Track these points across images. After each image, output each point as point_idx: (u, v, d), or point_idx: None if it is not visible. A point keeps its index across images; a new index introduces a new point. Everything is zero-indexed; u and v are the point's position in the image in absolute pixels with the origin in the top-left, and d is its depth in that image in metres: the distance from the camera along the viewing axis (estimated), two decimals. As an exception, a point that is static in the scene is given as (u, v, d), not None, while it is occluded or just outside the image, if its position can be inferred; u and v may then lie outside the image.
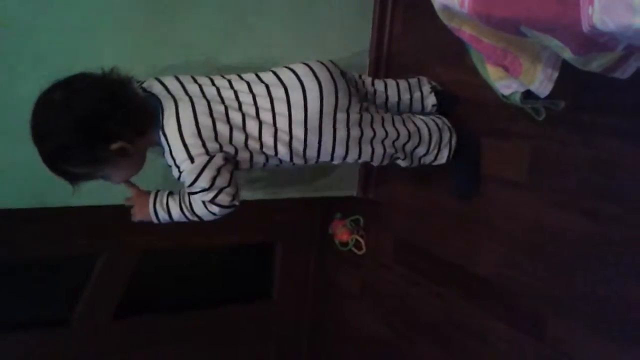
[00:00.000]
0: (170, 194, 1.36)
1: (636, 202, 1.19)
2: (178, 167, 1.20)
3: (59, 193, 1.53)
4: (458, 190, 1.60)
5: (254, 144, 1.27)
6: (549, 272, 1.37)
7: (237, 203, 1.30)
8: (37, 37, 1.39)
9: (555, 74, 1.01)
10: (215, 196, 1.25)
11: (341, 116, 1.30)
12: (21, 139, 1.43)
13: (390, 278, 1.91)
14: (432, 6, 0.99)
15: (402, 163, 1.52)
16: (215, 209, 1.27)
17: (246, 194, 1.79)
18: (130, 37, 1.49)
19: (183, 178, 1.22)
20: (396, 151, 1.45)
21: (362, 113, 1.35)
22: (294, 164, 1.36)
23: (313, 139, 1.29)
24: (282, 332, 2.21)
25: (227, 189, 1.25)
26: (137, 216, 1.38)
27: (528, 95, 1.10)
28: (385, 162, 1.46)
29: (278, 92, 1.27)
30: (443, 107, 1.60)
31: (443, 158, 1.53)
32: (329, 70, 1.30)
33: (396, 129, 1.42)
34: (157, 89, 1.24)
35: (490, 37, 0.98)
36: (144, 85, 1.26)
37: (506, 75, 1.07)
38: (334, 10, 1.76)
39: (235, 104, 1.26)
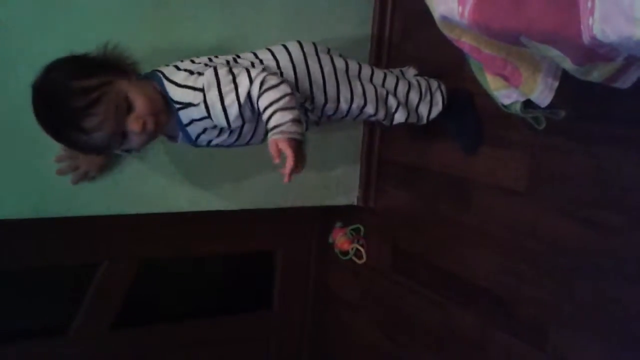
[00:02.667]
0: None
1: (637, 211, 1.19)
2: (195, 87, 1.17)
3: (58, 203, 1.55)
4: (463, 146, 1.58)
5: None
6: (550, 281, 1.37)
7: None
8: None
9: (556, 84, 1.01)
10: (249, 73, 1.17)
11: (324, 56, 1.38)
12: (20, 149, 1.45)
13: (389, 287, 1.91)
14: (430, 16, 1.00)
15: (400, 115, 1.47)
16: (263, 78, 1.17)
17: (245, 203, 1.80)
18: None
19: (210, 96, 1.16)
20: (388, 94, 1.44)
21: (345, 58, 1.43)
22: (308, 111, 1.38)
23: (302, 75, 1.33)
24: (282, 342, 2.20)
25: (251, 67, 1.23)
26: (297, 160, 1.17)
27: (528, 104, 1.10)
28: (382, 112, 1.43)
29: (266, 55, 1.34)
30: None
31: (438, 103, 1.52)
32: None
33: (382, 72, 1.47)
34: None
35: (490, 47, 0.99)
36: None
37: (506, 85, 1.07)
38: (334, 24, 1.77)
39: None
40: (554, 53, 0.85)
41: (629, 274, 1.20)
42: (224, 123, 1.20)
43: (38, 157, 1.46)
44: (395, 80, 1.47)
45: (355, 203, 1.98)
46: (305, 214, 2.10)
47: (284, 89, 1.16)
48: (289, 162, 1.12)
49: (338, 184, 1.94)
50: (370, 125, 1.93)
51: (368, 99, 1.40)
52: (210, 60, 1.29)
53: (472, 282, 1.58)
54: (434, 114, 1.52)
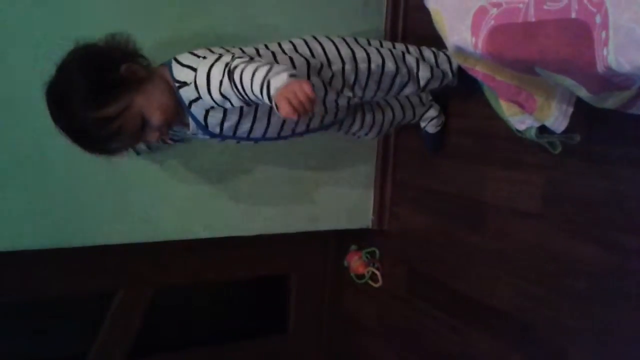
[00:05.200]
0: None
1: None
2: (191, 66, 1.18)
3: (74, 233, 1.56)
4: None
5: (265, 52, 1.32)
6: (567, 304, 1.35)
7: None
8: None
9: (570, 110, 1.01)
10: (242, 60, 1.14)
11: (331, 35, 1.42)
12: (38, 182, 1.47)
13: (406, 311, 1.89)
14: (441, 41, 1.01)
15: (425, 71, 1.45)
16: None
17: (260, 228, 1.80)
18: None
19: (200, 74, 1.16)
20: (403, 53, 1.44)
21: None
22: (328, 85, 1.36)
23: (314, 44, 1.37)
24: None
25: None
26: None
27: (543, 129, 1.10)
28: (404, 69, 1.42)
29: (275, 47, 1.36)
30: None
31: (448, 73, 1.50)
32: None
33: (392, 43, 1.50)
34: None
35: (504, 75, 0.99)
36: None
37: (520, 111, 1.08)
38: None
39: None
40: (569, 82, 0.86)
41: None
42: (211, 102, 1.19)
43: (55, 188, 1.49)
44: (404, 45, 1.49)
45: (370, 226, 1.97)
46: (319, 237, 2.09)
47: (255, 64, 1.10)
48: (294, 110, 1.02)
49: (352, 207, 1.94)
50: (384, 148, 1.93)
51: (385, 55, 1.40)
52: (227, 50, 1.29)
53: (489, 305, 1.56)
54: (455, 63, 1.50)
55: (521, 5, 0.82)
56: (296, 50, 1.34)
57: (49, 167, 1.46)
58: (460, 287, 1.67)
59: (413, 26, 1.81)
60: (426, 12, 1.03)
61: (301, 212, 1.85)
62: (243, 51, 1.30)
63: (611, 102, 0.89)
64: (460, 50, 0.93)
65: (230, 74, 1.10)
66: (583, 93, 0.87)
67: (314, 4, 1.71)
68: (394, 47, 1.47)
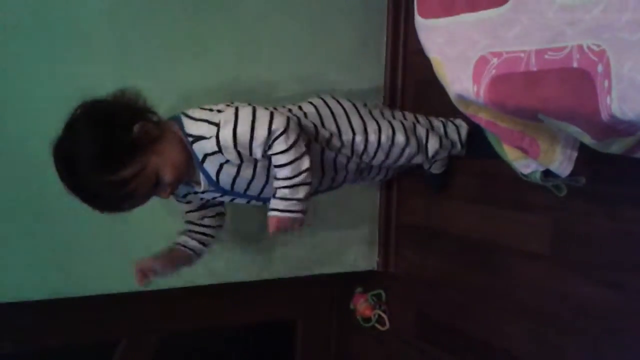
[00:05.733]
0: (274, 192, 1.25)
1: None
2: (211, 121, 1.16)
3: (75, 283, 1.54)
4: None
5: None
6: (577, 347, 1.34)
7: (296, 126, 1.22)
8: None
9: (575, 154, 1.01)
10: (270, 122, 1.16)
11: (341, 99, 1.45)
12: (38, 234, 1.46)
13: (414, 355, 1.86)
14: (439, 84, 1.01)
15: (434, 142, 1.46)
16: (282, 139, 1.17)
17: (263, 273, 1.78)
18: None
19: (223, 133, 1.14)
20: (414, 124, 1.45)
21: None
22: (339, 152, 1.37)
23: (325, 111, 1.38)
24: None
25: (275, 113, 1.19)
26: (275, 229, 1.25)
27: (548, 172, 1.10)
28: (414, 141, 1.43)
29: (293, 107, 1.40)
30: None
31: (462, 125, 1.53)
32: None
33: (402, 113, 1.52)
34: None
35: (507, 122, 0.99)
36: None
37: (524, 156, 1.07)
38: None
39: None
40: (573, 129, 0.86)
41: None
42: (235, 159, 1.20)
43: (56, 238, 1.48)
44: (413, 115, 1.51)
45: (375, 268, 1.95)
46: (324, 281, 2.07)
47: (303, 165, 1.20)
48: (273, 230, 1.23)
49: (357, 249, 1.93)
50: (387, 189, 1.92)
51: (395, 127, 1.40)
52: (232, 102, 1.29)
53: (498, 347, 1.54)
54: (463, 134, 1.52)
55: (522, 55, 0.82)
56: (306, 117, 1.35)
57: (50, 216, 1.46)
58: (467, 329, 1.64)
59: (412, 69, 1.82)
60: (425, 56, 1.04)
61: (305, 256, 1.84)
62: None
63: (615, 147, 0.88)
64: (462, 98, 0.93)
65: (273, 137, 1.16)
66: (587, 139, 0.87)
67: (312, 45, 1.73)
68: (405, 118, 1.49)
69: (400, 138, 1.40)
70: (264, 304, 2.03)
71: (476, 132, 1.48)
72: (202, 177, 1.25)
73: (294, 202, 1.21)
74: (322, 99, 1.42)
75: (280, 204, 1.21)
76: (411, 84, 1.59)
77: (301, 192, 1.21)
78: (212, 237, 1.46)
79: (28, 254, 1.46)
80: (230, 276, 1.73)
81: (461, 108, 0.99)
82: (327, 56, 1.75)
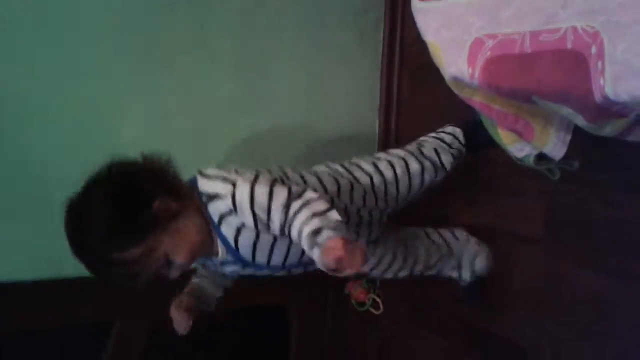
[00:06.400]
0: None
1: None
2: (228, 179, 1.07)
3: (73, 262, 1.55)
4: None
5: (293, 176, 1.25)
6: (570, 331, 1.35)
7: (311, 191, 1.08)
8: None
9: (568, 137, 1.02)
10: (289, 190, 1.04)
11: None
12: (34, 208, 1.46)
13: (408, 338, 1.87)
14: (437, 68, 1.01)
15: (447, 156, 1.45)
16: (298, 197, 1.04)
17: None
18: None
19: (239, 194, 1.05)
20: (420, 161, 1.40)
21: None
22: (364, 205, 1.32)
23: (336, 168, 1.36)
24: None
25: (292, 185, 1.09)
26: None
27: (542, 156, 1.11)
28: (428, 162, 1.41)
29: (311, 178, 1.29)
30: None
31: (462, 149, 1.49)
32: None
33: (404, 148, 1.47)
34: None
35: (501, 105, 1.00)
36: None
37: (518, 139, 1.08)
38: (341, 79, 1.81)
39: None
40: (566, 111, 0.86)
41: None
42: (251, 224, 1.08)
43: (54, 219, 1.48)
44: (414, 143, 1.48)
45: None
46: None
47: (331, 216, 0.99)
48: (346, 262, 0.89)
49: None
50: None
51: (406, 157, 1.39)
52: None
53: (491, 332, 1.55)
54: (460, 136, 1.48)
55: (517, 37, 0.83)
56: (321, 182, 1.27)
57: (47, 196, 1.47)
58: (463, 314, 1.65)
59: (410, 57, 1.83)
60: (422, 45, 1.05)
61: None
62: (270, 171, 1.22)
63: (609, 129, 0.89)
64: (457, 80, 0.94)
65: (292, 198, 1.03)
66: (580, 121, 0.87)
67: (314, 43, 1.75)
68: (406, 148, 1.45)
69: (414, 166, 1.38)
70: (259, 288, 2.03)
71: (468, 126, 1.48)
72: (220, 244, 1.15)
73: (333, 223, 0.97)
74: (328, 167, 1.36)
75: (319, 237, 0.94)
76: (407, 72, 1.60)
77: (334, 215, 0.99)
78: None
79: (23, 234, 1.47)
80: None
81: (456, 90, 1.00)
82: (324, 44, 1.78)
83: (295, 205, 1.01)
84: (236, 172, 1.10)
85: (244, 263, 1.19)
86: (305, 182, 1.24)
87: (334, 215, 0.98)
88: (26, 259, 1.50)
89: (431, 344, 1.77)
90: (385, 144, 1.89)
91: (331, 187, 1.26)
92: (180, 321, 1.23)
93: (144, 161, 1.10)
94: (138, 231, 1.03)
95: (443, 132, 1.51)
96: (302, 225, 0.97)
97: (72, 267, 1.49)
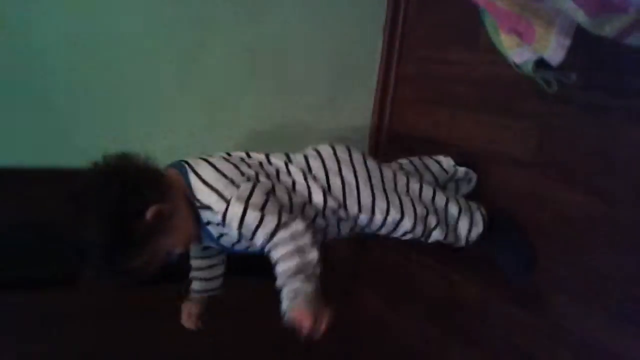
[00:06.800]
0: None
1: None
2: (223, 195, 1.11)
3: (71, 153, 1.56)
4: (510, 276, 1.47)
5: (285, 178, 1.25)
6: (554, 251, 1.39)
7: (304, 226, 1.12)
8: None
9: (568, 42, 1.02)
10: (279, 219, 1.09)
11: (358, 163, 1.33)
12: (33, 96, 1.47)
13: (396, 259, 1.92)
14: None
15: (438, 233, 1.36)
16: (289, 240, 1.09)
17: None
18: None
19: (231, 213, 1.09)
20: (427, 212, 1.34)
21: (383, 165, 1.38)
22: (339, 221, 1.30)
23: (335, 180, 1.28)
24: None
25: (283, 211, 1.12)
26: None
27: (540, 63, 1.12)
28: (420, 229, 1.33)
29: (299, 158, 1.31)
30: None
31: (479, 223, 1.42)
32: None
33: (418, 180, 1.40)
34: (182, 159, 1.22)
35: (506, 3, 1.00)
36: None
37: (519, 43, 1.09)
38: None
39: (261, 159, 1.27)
40: (568, 4, 0.87)
41: (636, 244, 1.22)
42: (235, 237, 1.16)
43: (56, 106, 1.51)
44: (432, 192, 1.39)
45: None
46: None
47: (310, 256, 1.08)
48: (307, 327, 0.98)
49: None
50: (381, 100, 1.95)
51: (406, 214, 1.31)
52: (242, 160, 1.23)
53: (474, 254, 1.58)
54: (473, 234, 1.41)
55: None
56: (315, 179, 1.27)
57: (51, 84, 1.49)
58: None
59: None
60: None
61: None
62: (262, 166, 1.24)
63: (608, 29, 0.90)
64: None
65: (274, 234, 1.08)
66: (581, 17, 0.88)
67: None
68: (420, 194, 1.37)
69: (406, 224, 1.31)
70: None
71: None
72: (204, 235, 1.22)
73: (310, 272, 1.06)
74: (335, 157, 1.31)
75: (292, 296, 1.02)
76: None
77: (314, 255, 1.08)
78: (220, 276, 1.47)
79: (29, 120, 1.49)
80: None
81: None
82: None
83: (280, 235, 1.08)
84: (232, 182, 1.12)
85: (223, 248, 1.30)
86: (289, 172, 1.26)
87: (313, 255, 1.07)
88: (25, 144, 1.51)
89: (413, 263, 1.81)
90: (387, 66, 1.90)
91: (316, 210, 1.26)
92: (193, 327, 1.43)
93: (127, 168, 1.10)
94: (136, 245, 1.06)
95: (472, 209, 1.44)
96: (281, 262, 1.06)
97: (70, 157, 1.55)
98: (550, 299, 1.40)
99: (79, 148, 1.53)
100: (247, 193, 1.10)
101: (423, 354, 1.79)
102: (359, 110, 1.96)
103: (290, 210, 1.18)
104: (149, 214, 1.06)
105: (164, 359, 1.73)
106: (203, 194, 1.12)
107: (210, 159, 1.19)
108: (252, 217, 1.08)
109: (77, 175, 1.10)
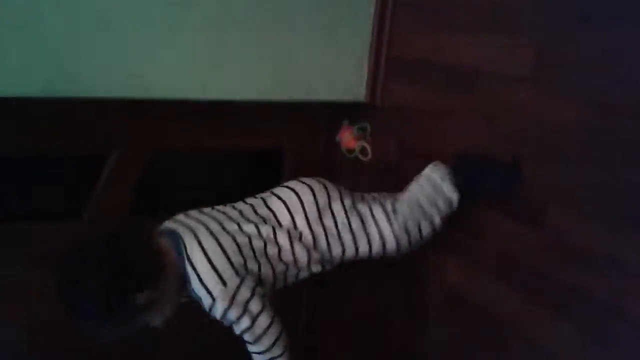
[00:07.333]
0: None
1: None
2: (211, 293, 1.23)
3: (68, 82, 1.57)
4: (499, 188, 1.55)
5: (272, 249, 1.34)
6: (552, 163, 1.40)
7: (277, 326, 1.29)
8: None
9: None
10: (253, 321, 1.25)
11: (336, 205, 1.43)
12: (28, 23, 1.46)
13: (395, 182, 1.94)
14: None
15: (427, 226, 1.49)
16: (262, 338, 1.27)
17: (254, 93, 1.82)
18: None
19: (215, 307, 1.23)
20: (398, 243, 1.46)
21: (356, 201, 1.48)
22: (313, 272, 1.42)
23: (318, 230, 1.40)
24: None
25: (263, 312, 1.26)
26: None
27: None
28: (404, 239, 1.47)
29: (276, 204, 1.42)
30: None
31: (453, 194, 1.51)
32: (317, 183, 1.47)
33: (398, 211, 1.48)
34: (172, 226, 1.31)
35: None
36: (162, 228, 1.33)
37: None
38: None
39: (244, 219, 1.36)
40: None
41: (631, 154, 1.23)
42: (217, 317, 1.27)
43: (47, 32, 1.50)
44: (408, 211, 1.48)
45: (363, 100, 2.00)
46: (313, 112, 2.13)
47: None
48: None
49: (347, 79, 1.97)
50: (380, 20, 1.92)
51: (386, 238, 1.44)
52: (233, 241, 1.29)
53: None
54: (455, 201, 1.52)
55: None
56: (300, 240, 1.38)
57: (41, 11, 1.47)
58: (448, 155, 1.71)
59: None
60: None
61: (296, 80, 1.88)
62: (251, 243, 1.32)
63: None
64: None
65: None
66: None
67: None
68: (395, 211, 1.47)
69: (391, 246, 1.45)
70: (254, 130, 2.09)
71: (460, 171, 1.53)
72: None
73: None
74: (316, 205, 1.41)
75: None
76: None
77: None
78: None
79: (18, 48, 1.48)
80: (221, 93, 1.77)
81: None
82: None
83: (254, 331, 1.25)
84: (220, 279, 1.22)
85: None
86: (276, 241, 1.36)
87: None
88: (20, 73, 1.50)
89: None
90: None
91: (301, 258, 1.39)
92: None
93: (128, 250, 1.18)
94: (122, 319, 1.18)
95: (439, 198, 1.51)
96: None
97: (63, 86, 1.55)
98: (547, 211, 1.41)
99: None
100: (231, 292, 1.23)
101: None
102: (357, 36, 1.94)
103: (274, 282, 1.34)
104: (140, 299, 1.16)
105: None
106: (197, 286, 1.23)
107: (205, 247, 1.25)
108: (234, 313, 1.23)
109: (84, 241, 1.18)
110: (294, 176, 2.19)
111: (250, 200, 1.46)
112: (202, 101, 1.75)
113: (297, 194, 1.42)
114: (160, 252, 1.24)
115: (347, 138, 2.09)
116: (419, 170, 1.63)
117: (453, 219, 1.62)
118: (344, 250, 1.43)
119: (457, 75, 1.66)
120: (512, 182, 1.48)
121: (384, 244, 1.44)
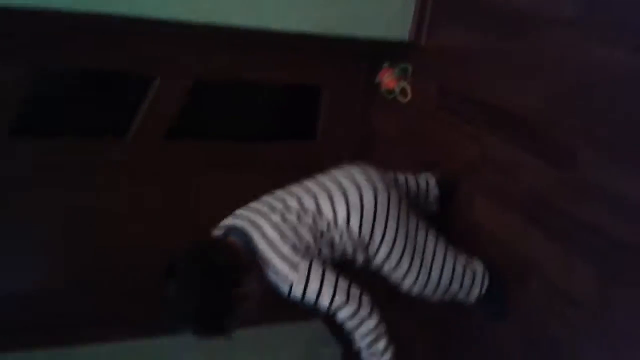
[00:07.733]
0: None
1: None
2: (286, 278, 1.33)
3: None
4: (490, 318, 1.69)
5: (327, 236, 1.42)
6: (592, 113, 1.38)
7: (355, 288, 1.38)
8: None
9: None
10: (334, 290, 1.34)
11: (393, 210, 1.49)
12: None
13: (432, 124, 1.94)
14: None
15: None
16: (347, 308, 1.35)
17: (298, 24, 1.82)
18: None
19: (294, 291, 1.34)
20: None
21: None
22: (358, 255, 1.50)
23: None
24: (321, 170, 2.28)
25: (340, 279, 1.36)
26: None
27: None
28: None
29: (337, 195, 1.47)
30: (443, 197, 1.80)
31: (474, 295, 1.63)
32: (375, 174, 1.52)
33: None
34: (237, 222, 1.40)
35: None
36: (227, 225, 1.41)
37: None
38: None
39: (303, 211, 1.43)
40: None
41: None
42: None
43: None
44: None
45: (407, 39, 1.97)
46: (355, 51, 2.12)
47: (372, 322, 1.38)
48: None
49: (392, 15, 1.94)
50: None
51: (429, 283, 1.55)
52: (299, 220, 1.39)
53: (514, 113, 1.60)
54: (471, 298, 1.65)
55: None
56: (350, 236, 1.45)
57: None
58: (487, 99, 1.70)
59: None
60: None
61: (341, 15, 1.86)
62: (315, 222, 1.41)
63: None
64: None
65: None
66: None
67: None
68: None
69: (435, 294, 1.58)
70: (296, 65, 2.09)
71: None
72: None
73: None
74: (375, 207, 1.46)
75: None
76: None
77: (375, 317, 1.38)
78: None
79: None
80: (264, 21, 1.77)
81: None
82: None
83: (339, 300, 1.34)
84: (292, 265, 1.33)
85: None
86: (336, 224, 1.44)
87: (374, 321, 1.38)
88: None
89: (454, 128, 1.84)
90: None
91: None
92: None
93: (215, 251, 1.32)
94: (228, 311, 1.30)
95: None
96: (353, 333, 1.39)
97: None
98: (579, 154, 1.41)
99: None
100: (305, 275, 1.34)
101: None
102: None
103: (332, 254, 1.44)
104: (236, 294, 1.29)
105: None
106: (273, 276, 1.35)
107: (271, 239, 1.36)
108: (311, 290, 1.34)
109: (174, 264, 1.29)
110: (332, 112, 2.23)
111: (312, 185, 1.52)
112: (247, 29, 1.76)
113: (360, 192, 1.47)
114: (237, 252, 1.34)
115: (388, 78, 2.08)
116: (459, 111, 1.60)
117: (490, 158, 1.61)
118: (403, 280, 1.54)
119: (506, 17, 1.62)
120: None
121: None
